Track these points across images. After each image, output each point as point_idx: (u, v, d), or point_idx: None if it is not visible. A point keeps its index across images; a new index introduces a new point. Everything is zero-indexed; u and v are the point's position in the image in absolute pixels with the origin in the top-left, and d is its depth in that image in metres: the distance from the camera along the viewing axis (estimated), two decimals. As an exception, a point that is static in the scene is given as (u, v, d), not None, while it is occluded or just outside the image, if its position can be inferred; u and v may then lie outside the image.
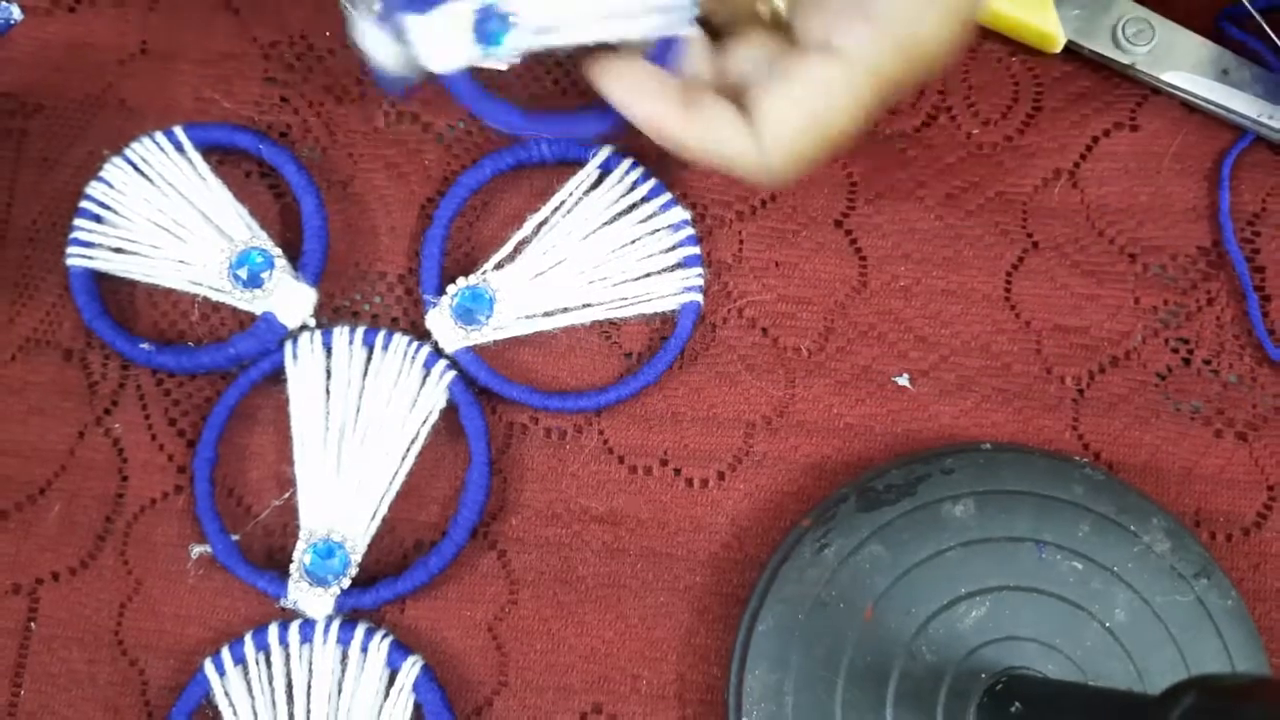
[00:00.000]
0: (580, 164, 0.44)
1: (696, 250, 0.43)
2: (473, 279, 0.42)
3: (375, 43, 0.36)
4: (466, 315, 0.42)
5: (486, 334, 0.42)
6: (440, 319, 0.42)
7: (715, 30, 0.38)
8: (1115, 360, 0.43)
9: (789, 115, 0.34)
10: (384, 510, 0.41)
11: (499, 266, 0.43)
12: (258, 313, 0.42)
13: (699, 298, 0.42)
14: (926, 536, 0.39)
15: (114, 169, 0.43)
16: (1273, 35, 0.43)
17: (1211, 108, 0.44)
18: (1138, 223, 0.44)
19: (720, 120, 0.35)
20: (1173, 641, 0.38)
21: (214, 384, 0.43)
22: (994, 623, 0.38)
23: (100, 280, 0.44)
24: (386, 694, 0.40)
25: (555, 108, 0.40)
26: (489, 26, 0.36)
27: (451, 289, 0.42)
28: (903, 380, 0.43)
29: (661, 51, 0.36)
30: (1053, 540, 0.39)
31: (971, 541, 0.39)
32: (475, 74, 0.37)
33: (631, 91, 0.36)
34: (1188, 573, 0.39)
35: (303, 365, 0.42)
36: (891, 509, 0.39)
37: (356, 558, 0.40)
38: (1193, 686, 0.27)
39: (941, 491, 0.39)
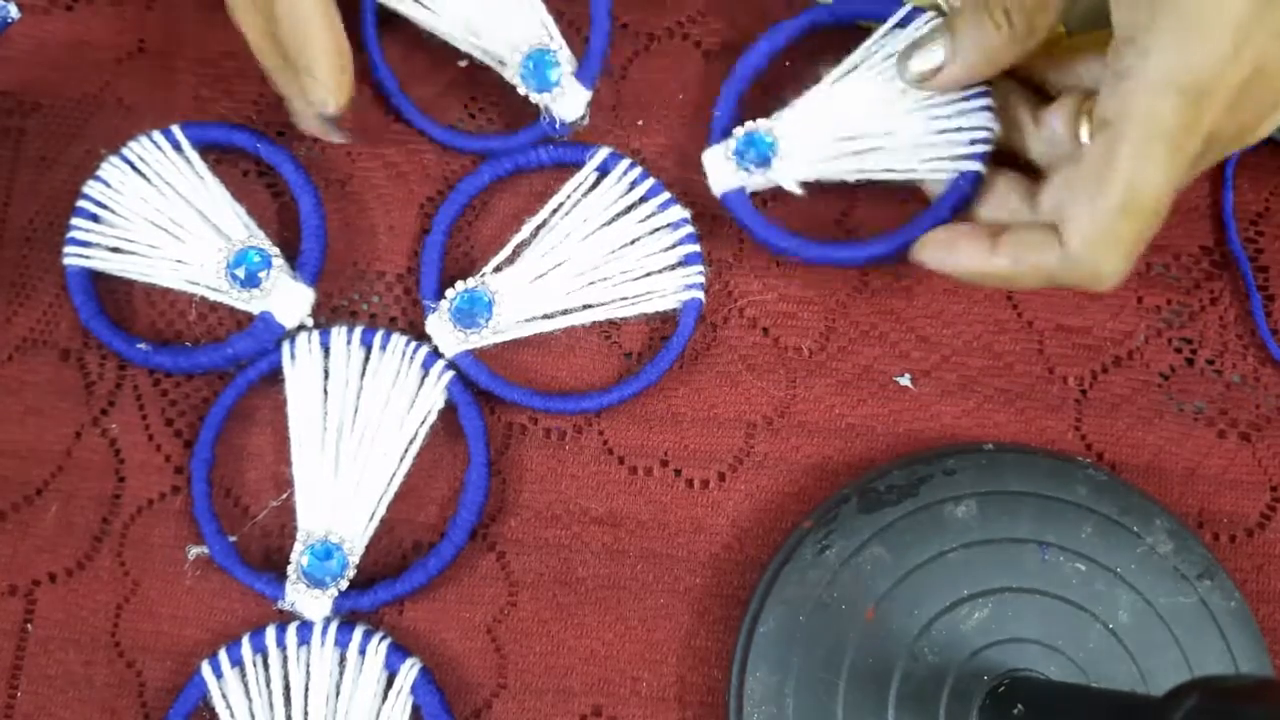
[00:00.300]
0: (579, 165, 0.43)
1: (696, 248, 0.43)
2: (471, 282, 0.42)
3: (716, 163, 0.42)
4: (466, 318, 0.42)
5: (486, 337, 0.42)
6: (440, 323, 0.42)
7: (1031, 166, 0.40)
8: (1118, 360, 0.43)
9: (1089, 214, 0.34)
10: (382, 511, 0.41)
11: (498, 269, 0.43)
12: (255, 312, 0.42)
13: (700, 295, 0.42)
14: (928, 538, 0.39)
15: (111, 168, 0.43)
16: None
17: (1214, 106, 0.44)
18: (1140, 222, 0.44)
19: (1034, 243, 0.36)
20: (1176, 643, 0.38)
21: (211, 384, 0.43)
22: (996, 624, 0.38)
23: (97, 280, 0.43)
24: (385, 696, 0.39)
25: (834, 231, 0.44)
26: (755, 152, 0.42)
27: (450, 292, 0.42)
28: (904, 380, 0.43)
29: (959, 186, 0.40)
30: (1055, 541, 0.39)
31: (974, 543, 0.39)
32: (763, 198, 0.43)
33: (945, 254, 0.38)
34: (1191, 574, 0.38)
35: (300, 365, 0.42)
36: (893, 510, 0.39)
37: (354, 559, 0.40)
38: (1196, 688, 0.27)
39: (943, 492, 0.39)
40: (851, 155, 0.42)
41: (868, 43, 0.42)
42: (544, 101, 0.43)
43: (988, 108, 0.40)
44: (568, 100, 0.43)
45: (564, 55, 0.43)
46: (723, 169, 0.42)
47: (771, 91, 0.43)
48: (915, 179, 0.41)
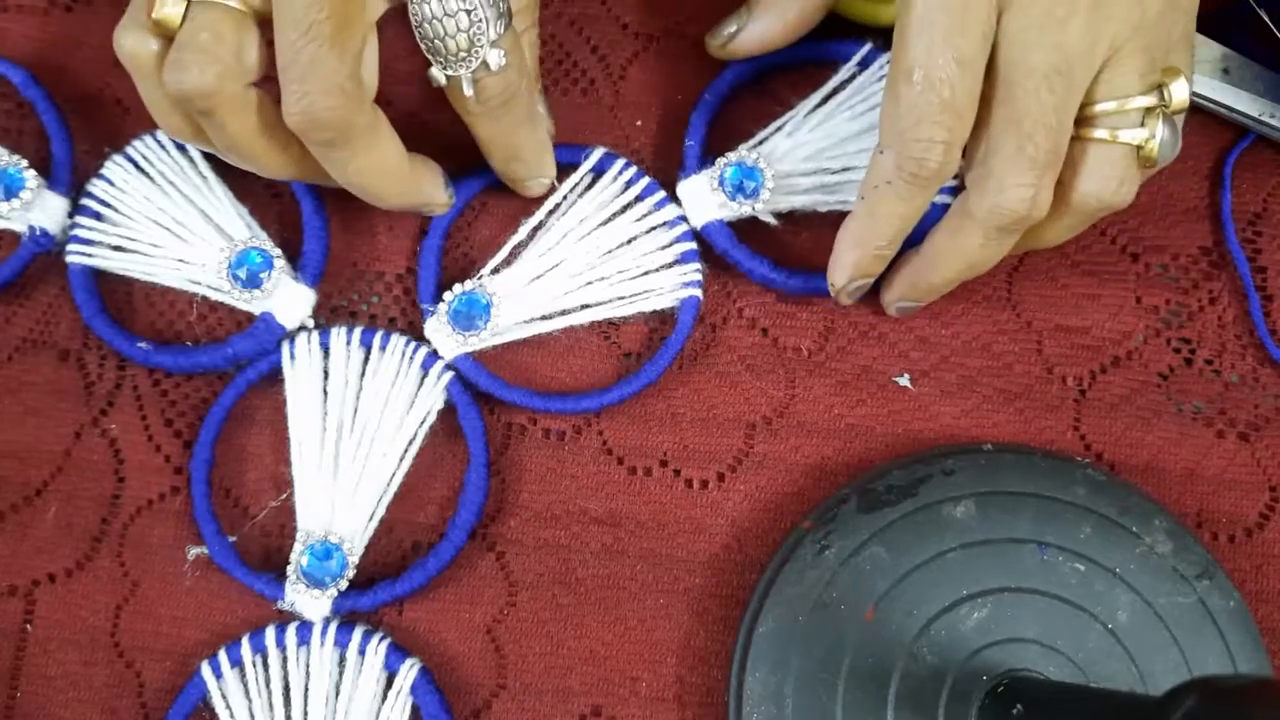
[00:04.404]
0: (574, 166, 0.43)
1: (693, 245, 0.43)
2: (469, 284, 0.42)
3: (697, 193, 0.42)
4: (464, 321, 0.42)
5: (485, 339, 0.42)
6: (438, 326, 0.42)
7: None
8: (1117, 360, 0.43)
9: (889, 100, 0.36)
10: (381, 512, 0.41)
11: (496, 271, 0.43)
12: (256, 313, 0.42)
13: (698, 292, 0.42)
14: (928, 538, 0.39)
15: (115, 167, 0.43)
16: (1277, 32, 0.43)
17: (1213, 107, 0.44)
18: (1139, 222, 0.44)
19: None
20: (1175, 643, 0.38)
21: (211, 384, 0.43)
22: (996, 624, 0.38)
23: (98, 279, 0.43)
24: (384, 697, 0.39)
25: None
26: (751, 183, 0.42)
27: (448, 295, 0.42)
28: (903, 380, 0.43)
29: (930, 218, 0.41)
30: (1054, 541, 0.39)
31: (973, 543, 0.39)
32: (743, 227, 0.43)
33: (912, 283, 0.41)
34: (1190, 574, 0.38)
35: (300, 366, 0.42)
36: (892, 510, 0.39)
37: (354, 559, 0.40)
38: (1194, 688, 0.27)
39: (943, 492, 0.39)
40: (829, 188, 0.42)
41: (835, 79, 0.43)
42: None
43: None
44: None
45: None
46: (706, 200, 0.42)
47: (718, 123, 0.44)
48: None
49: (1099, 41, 0.35)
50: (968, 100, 0.34)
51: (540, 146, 0.42)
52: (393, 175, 0.39)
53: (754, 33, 0.42)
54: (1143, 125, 0.36)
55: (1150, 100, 0.36)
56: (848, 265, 0.39)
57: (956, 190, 0.38)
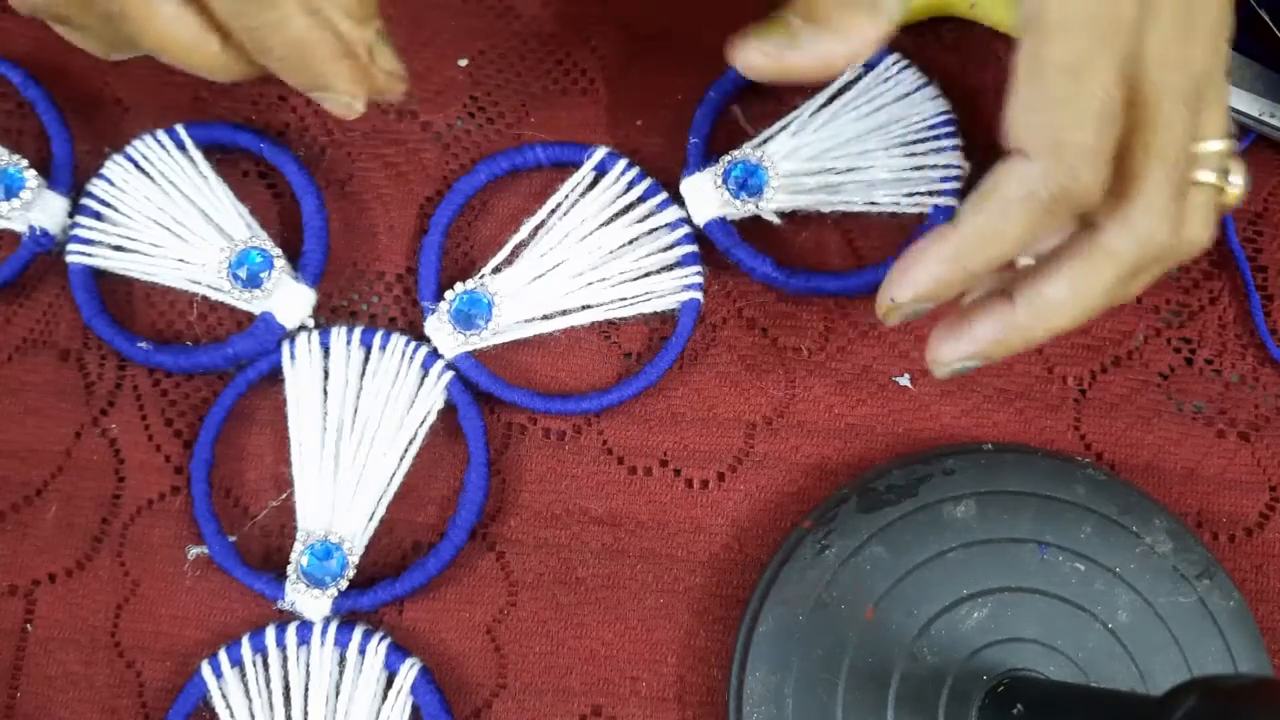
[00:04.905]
0: (576, 166, 0.43)
1: (694, 248, 0.43)
2: (470, 284, 0.42)
3: (702, 191, 0.42)
4: (465, 320, 0.42)
5: (485, 338, 0.42)
6: (439, 325, 0.42)
7: None
8: (1117, 360, 0.43)
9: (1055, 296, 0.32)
10: (382, 511, 0.41)
11: (497, 270, 0.43)
12: (256, 313, 0.42)
13: (699, 295, 0.42)
14: (928, 537, 0.39)
15: (115, 166, 0.43)
16: (1277, 32, 0.43)
17: (1213, 106, 0.44)
18: (1139, 222, 0.44)
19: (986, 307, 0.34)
20: (1175, 643, 0.38)
21: (211, 384, 0.43)
22: (996, 624, 0.38)
23: (98, 279, 0.43)
24: (384, 696, 0.39)
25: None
26: (755, 181, 0.42)
27: (450, 294, 0.42)
28: (904, 380, 0.43)
29: (935, 220, 0.42)
30: (1055, 541, 0.39)
31: (973, 542, 0.39)
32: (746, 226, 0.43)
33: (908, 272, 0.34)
34: (1190, 574, 0.38)
35: (300, 366, 0.42)
36: (893, 510, 0.39)
37: (354, 559, 0.40)
38: (1195, 688, 0.27)
39: (943, 492, 0.39)
40: (833, 188, 0.42)
41: (840, 80, 0.43)
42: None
43: (958, 147, 0.42)
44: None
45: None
46: (709, 198, 0.42)
47: (721, 122, 0.44)
48: (898, 212, 0.43)
49: (1213, 68, 0.32)
50: (1120, 111, 0.30)
51: (300, 43, 0.31)
52: (187, 34, 0.32)
53: (815, 52, 0.33)
54: (1221, 168, 0.33)
55: (1225, 144, 0.33)
56: (926, 281, 0.33)
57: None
